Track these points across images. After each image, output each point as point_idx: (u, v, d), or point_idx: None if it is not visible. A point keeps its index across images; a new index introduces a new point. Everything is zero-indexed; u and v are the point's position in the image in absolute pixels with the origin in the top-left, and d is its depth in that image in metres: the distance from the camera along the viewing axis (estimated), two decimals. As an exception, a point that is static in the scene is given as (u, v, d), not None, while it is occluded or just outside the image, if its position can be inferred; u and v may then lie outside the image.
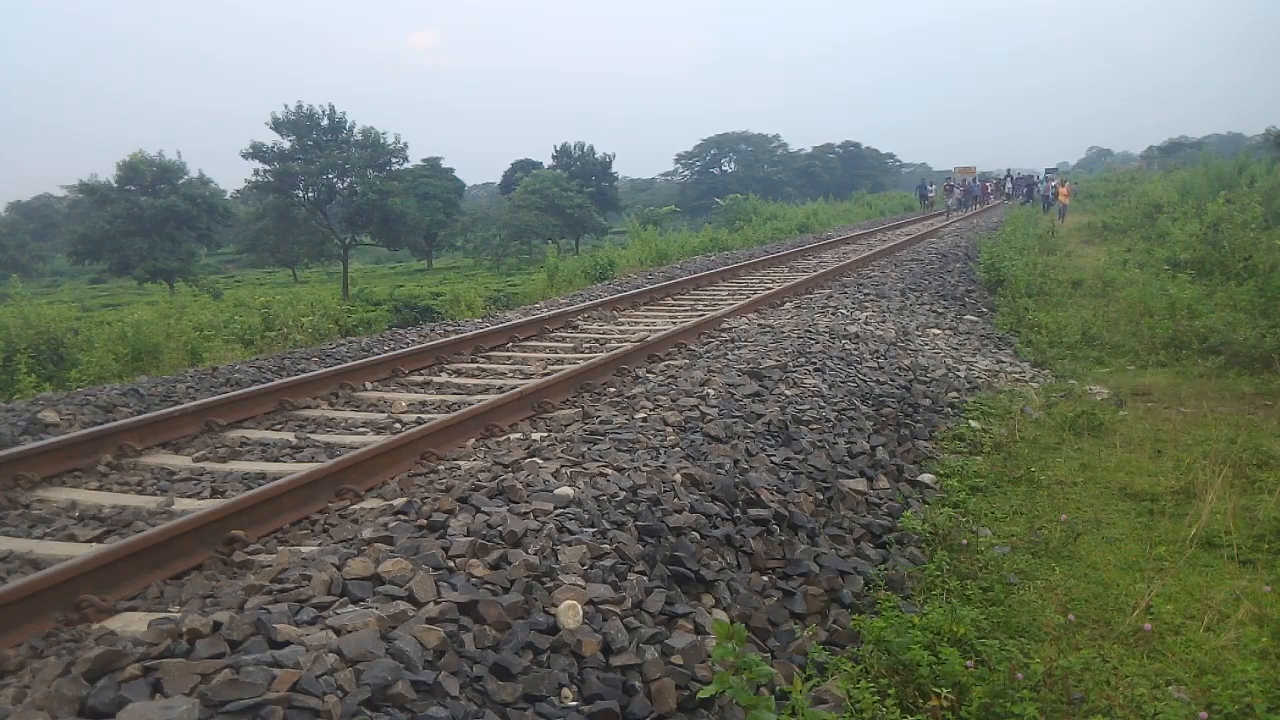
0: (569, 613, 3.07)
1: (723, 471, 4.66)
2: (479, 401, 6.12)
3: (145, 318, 13.23)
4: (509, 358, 8.44)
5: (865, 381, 7.22)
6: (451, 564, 3.23)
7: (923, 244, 20.69)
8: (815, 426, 5.79)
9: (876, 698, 3.03)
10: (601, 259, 22.97)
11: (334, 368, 7.30)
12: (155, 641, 2.61)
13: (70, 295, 31.74)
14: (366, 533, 3.60)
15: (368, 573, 3.10)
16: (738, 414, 5.63)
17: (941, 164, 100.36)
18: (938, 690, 3.08)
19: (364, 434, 5.86)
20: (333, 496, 4.51)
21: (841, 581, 4.14)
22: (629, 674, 3.01)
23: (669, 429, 5.18)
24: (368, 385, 7.20)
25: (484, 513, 3.69)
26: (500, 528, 3.51)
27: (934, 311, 12.09)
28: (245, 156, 44.96)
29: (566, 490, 4.01)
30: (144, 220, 44.18)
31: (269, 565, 3.50)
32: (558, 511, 3.80)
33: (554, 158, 66.30)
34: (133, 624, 3.15)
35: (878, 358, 8.18)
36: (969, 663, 3.21)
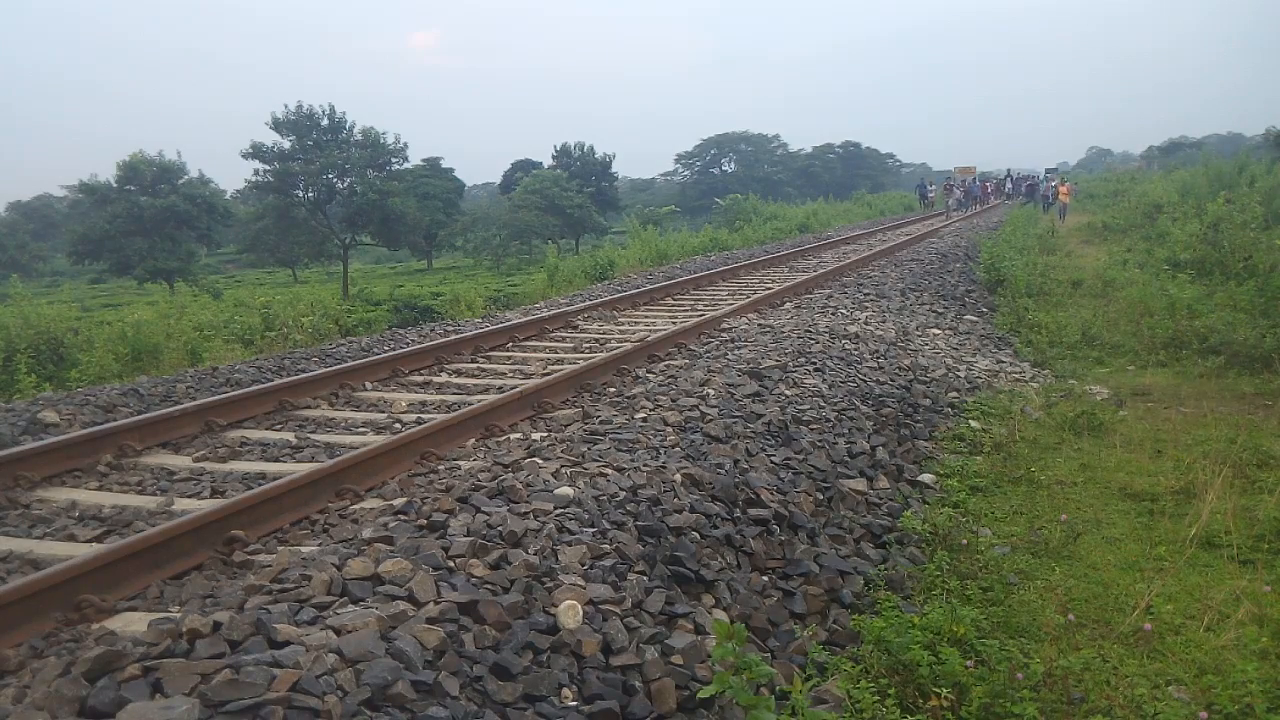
0: (569, 613, 3.07)
1: (723, 471, 4.66)
2: (479, 401, 6.12)
3: (145, 318, 13.21)
4: (509, 358, 8.44)
5: (865, 381, 7.22)
6: (451, 564, 3.23)
7: (923, 244, 20.69)
8: (815, 426, 5.79)
9: (876, 698, 3.03)
10: (601, 259, 22.95)
11: (334, 368, 7.30)
12: (155, 641, 2.61)
13: (70, 295, 31.66)
14: (366, 533, 3.60)
15: (368, 573, 3.10)
16: (738, 414, 5.63)
17: (941, 164, 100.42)
18: (938, 690, 3.08)
19: (364, 434, 5.86)
20: (333, 496, 4.51)
21: (841, 581, 4.14)
22: (629, 674, 3.01)
23: (669, 429, 5.18)
24: (368, 385, 7.20)
25: (484, 513, 3.69)
26: (500, 528, 3.51)
27: (934, 311, 12.09)
28: (245, 156, 45.02)
29: (566, 490, 4.01)
30: (144, 220, 44.18)
31: (269, 565, 3.50)
32: (558, 511, 3.80)
33: (554, 158, 66.34)
34: (133, 624, 3.15)
35: (878, 358, 8.18)
36: (969, 663, 3.21)
